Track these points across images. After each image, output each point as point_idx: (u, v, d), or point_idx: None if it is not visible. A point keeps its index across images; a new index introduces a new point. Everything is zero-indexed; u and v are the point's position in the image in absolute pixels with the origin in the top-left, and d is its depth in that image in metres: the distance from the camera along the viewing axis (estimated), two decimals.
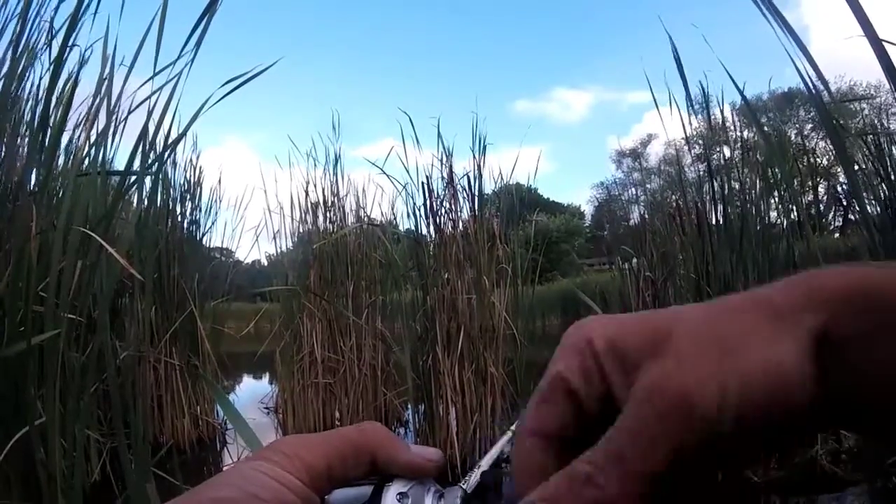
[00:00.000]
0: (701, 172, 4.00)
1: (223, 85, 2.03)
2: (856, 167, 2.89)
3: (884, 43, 1.48)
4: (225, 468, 0.30)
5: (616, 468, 0.23)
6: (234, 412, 1.53)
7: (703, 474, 0.25)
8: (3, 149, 2.00)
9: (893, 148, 3.37)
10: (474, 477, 0.36)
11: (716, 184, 3.43)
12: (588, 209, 45.16)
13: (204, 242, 4.83)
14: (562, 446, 0.27)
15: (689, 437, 0.23)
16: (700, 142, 4.04)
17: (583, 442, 0.26)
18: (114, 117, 2.06)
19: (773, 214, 3.66)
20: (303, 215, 5.02)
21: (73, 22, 1.78)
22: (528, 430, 0.27)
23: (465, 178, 3.82)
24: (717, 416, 0.22)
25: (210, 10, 1.86)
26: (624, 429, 0.24)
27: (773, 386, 0.23)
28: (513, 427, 0.51)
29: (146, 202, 2.57)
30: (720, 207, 3.36)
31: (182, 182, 4.54)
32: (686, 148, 4.21)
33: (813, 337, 0.23)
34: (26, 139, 2.06)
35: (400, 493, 0.32)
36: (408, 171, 3.88)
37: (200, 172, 4.69)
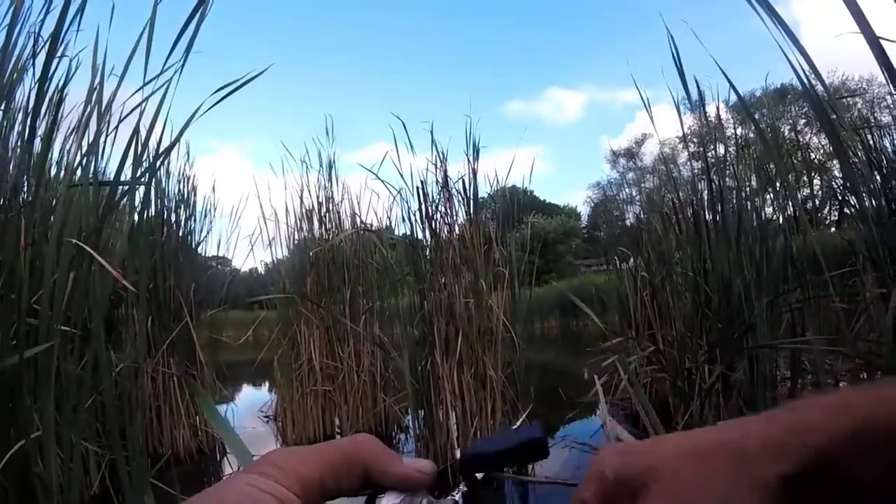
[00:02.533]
0: (696, 170, 4.00)
1: (214, 92, 2.02)
2: (850, 161, 2.89)
3: (881, 40, 1.47)
4: (220, 482, 0.30)
5: None
6: (223, 424, 1.52)
7: None
8: None
9: (886, 141, 3.37)
10: (464, 486, 0.35)
11: (711, 181, 3.43)
12: (584, 210, 45.15)
13: (199, 251, 4.81)
14: None
15: None
16: (694, 140, 4.05)
17: None
18: (104, 126, 2.05)
19: (769, 210, 3.66)
20: (298, 222, 5.01)
21: (57, 32, 1.77)
22: None
23: (460, 181, 3.82)
24: None
25: (199, 14, 1.85)
26: None
27: None
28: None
29: (139, 211, 2.56)
30: (716, 205, 3.36)
31: (176, 191, 4.51)
32: (681, 146, 4.21)
33: (778, 483, 0.28)
34: (17, 150, 2.05)
35: None
36: (402, 176, 3.87)
37: (194, 180, 4.67)
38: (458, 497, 0.35)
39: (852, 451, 0.27)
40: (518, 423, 3.13)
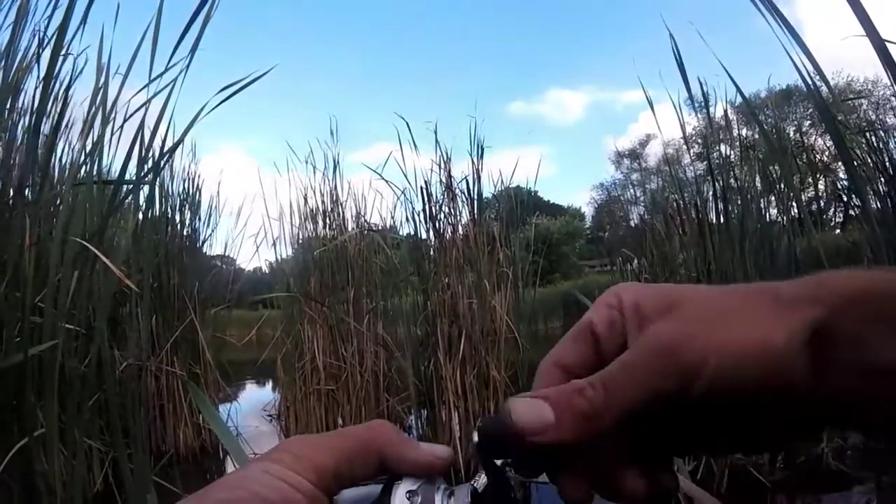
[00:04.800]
0: (699, 172, 4.00)
1: (218, 92, 2.03)
2: (855, 162, 2.88)
3: (886, 43, 1.46)
4: (234, 470, 0.30)
5: (604, 390, 0.29)
6: (221, 426, 1.52)
7: (674, 426, 0.30)
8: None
9: (891, 143, 3.36)
10: (483, 475, 0.35)
11: (716, 182, 3.42)
12: (588, 210, 45.16)
13: (204, 250, 4.82)
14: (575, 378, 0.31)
15: (665, 384, 0.27)
16: (699, 141, 4.04)
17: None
18: (109, 126, 2.05)
19: (774, 212, 3.65)
20: (302, 221, 5.01)
21: (62, 31, 1.77)
22: (553, 360, 0.33)
23: (464, 182, 3.82)
24: (692, 372, 0.27)
25: (204, 14, 1.85)
26: (619, 362, 0.29)
27: (752, 362, 0.26)
28: None
29: (144, 211, 2.57)
30: (720, 206, 3.35)
31: (181, 190, 4.52)
32: (685, 147, 4.20)
33: (810, 327, 0.26)
34: (22, 149, 2.05)
35: (409, 492, 0.32)
36: (406, 177, 3.87)
37: (199, 180, 4.68)
38: (476, 484, 0.34)
39: (870, 312, 0.25)
40: None
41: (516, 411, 0.30)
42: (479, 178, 3.82)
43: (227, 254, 5.16)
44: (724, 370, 0.26)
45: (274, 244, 5.14)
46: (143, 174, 2.08)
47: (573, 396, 0.29)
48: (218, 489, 0.28)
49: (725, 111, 3.77)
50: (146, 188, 2.55)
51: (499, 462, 0.34)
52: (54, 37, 1.80)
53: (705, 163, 3.72)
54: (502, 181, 4.22)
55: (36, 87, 2.05)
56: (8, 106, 1.95)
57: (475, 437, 0.33)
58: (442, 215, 3.80)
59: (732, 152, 3.71)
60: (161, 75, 1.93)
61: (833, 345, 0.26)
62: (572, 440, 0.29)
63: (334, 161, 4.97)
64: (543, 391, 0.31)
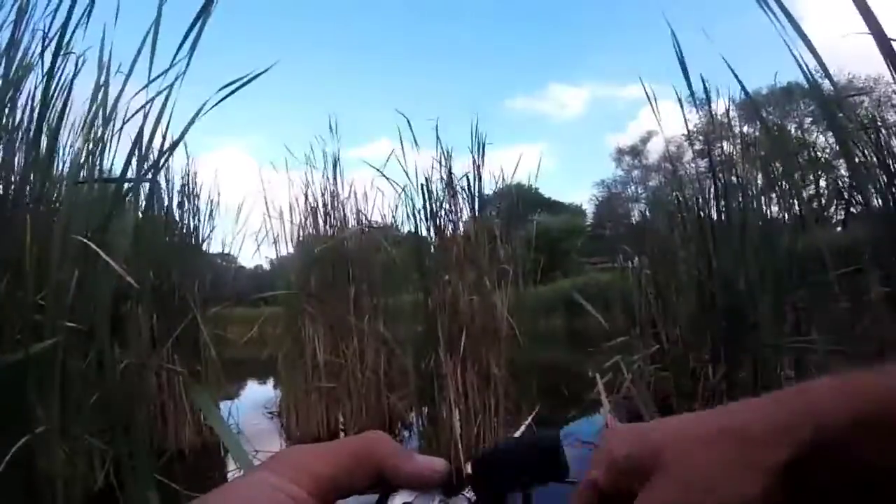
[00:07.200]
0: (700, 168, 3.99)
1: (219, 90, 2.02)
2: (857, 160, 2.87)
3: (892, 42, 1.46)
4: (232, 478, 0.30)
5: None
6: (221, 424, 1.52)
7: None
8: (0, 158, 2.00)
9: (893, 140, 3.35)
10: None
11: (717, 180, 3.41)
12: (589, 208, 45.00)
13: (205, 248, 4.82)
14: None
15: None
16: (700, 138, 4.04)
17: None
18: (110, 124, 2.05)
19: (775, 209, 3.64)
20: (303, 219, 5.01)
21: (64, 30, 1.77)
22: None
23: (465, 179, 3.81)
24: None
25: (204, 15, 1.85)
26: None
27: None
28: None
29: (143, 209, 2.56)
30: (721, 203, 3.35)
31: (180, 188, 4.52)
32: (687, 144, 4.19)
33: (784, 466, 0.28)
34: (23, 148, 2.05)
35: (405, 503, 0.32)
36: (406, 174, 3.87)
37: (198, 178, 4.67)
38: (469, 495, 0.35)
39: (861, 435, 0.27)
40: (524, 426, 3.11)
41: None
42: (479, 175, 3.82)
43: (228, 251, 5.16)
44: None
45: (275, 242, 5.14)
46: (143, 172, 2.08)
47: None
48: (216, 498, 0.28)
49: (727, 108, 3.76)
50: (147, 186, 2.54)
51: None
52: (56, 35, 1.80)
53: (707, 160, 3.71)
54: (503, 178, 4.21)
55: (36, 86, 2.05)
56: (9, 104, 1.95)
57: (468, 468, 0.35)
58: (442, 212, 3.79)
59: (734, 149, 3.71)
60: (162, 75, 1.92)
61: (812, 471, 0.28)
62: None
63: (335, 158, 4.97)
64: None
